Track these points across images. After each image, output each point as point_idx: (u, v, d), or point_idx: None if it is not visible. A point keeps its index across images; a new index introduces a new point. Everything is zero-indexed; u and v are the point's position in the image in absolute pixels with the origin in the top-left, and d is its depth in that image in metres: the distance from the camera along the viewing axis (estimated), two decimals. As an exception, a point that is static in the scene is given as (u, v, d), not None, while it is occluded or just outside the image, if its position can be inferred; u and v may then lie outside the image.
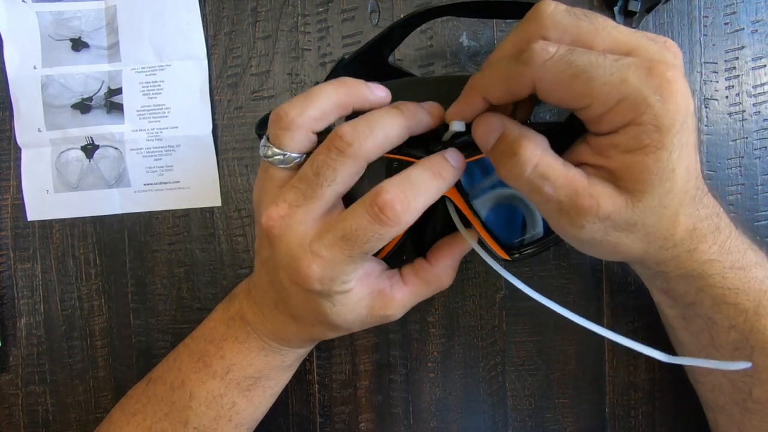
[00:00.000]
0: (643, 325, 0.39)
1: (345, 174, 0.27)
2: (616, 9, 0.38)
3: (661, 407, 0.40)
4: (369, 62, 0.36)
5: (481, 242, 0.32)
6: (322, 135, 0.28)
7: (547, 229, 0.33)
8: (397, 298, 0.31)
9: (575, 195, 0.24)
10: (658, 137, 0.23)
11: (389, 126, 0.27)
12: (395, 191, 0.26)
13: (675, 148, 0.23)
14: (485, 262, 0.30)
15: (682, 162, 0.24)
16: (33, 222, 0.42)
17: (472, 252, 0.32)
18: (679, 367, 0.37)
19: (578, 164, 0.26)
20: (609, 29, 0.24)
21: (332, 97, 0.28)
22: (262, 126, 0.33)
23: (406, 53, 0.40)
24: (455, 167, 0.28)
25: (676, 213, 0.25)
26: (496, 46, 0.27)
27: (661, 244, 0.27)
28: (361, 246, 0.26)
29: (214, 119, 0.41)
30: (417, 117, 0.28)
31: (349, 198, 0.29)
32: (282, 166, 0.28)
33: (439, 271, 0.32)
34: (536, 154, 0.25)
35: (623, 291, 0.40)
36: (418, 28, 0.36)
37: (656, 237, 0.26)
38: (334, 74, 0.35)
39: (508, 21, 0.40)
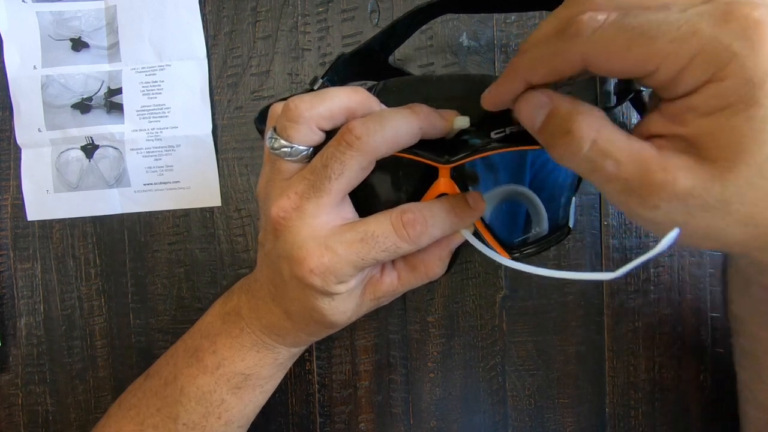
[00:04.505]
0: (643, 325, 0.39)
1: (353, 168, 0.27)
2: None
3: (661, 407, 0.40)
4: (369, 61, 0.36)
5: (479, 237, 0.32)
6: (331, 134, 0.28)
7: (551, 228, 0.33)
8: (386, 281, 0.32)
9: (645, 171, 0.21)
10: (749, 91, 0.18)
11: (400, 124, 0.27)
12: (418, 214, 0.28)
13: None
14: (485, 261, 0.30)
15: None
16: (33, 222, 0.42)
17: (472, 251, 0.32)
18: (679, 367, 0.37)
19: (650, 137, 0.22)
20: None
21: (343, 100, 0.28)
22: (261, 120, 0.33)
23: (406, 53, 0.40)
24: (474, 210, 0.30)
25: None
26: (536, 29, 0.24)
27: None
28: (376, 252, 0.28)
29: (214, 119, 0.41)
30: (430, 120, 0.27)
31: (355, 196, 0.29)
32: (289, 159, 0.28)
33: (426, 257, 0.32)
34: (593, 128, 0.21)
35: (623, 291, 0.40)
36: (419, 29, 0.36)
37: (762, 219, 0.20)
38: (333, 70, 0.35)
39: (508, 21, 0.40)
